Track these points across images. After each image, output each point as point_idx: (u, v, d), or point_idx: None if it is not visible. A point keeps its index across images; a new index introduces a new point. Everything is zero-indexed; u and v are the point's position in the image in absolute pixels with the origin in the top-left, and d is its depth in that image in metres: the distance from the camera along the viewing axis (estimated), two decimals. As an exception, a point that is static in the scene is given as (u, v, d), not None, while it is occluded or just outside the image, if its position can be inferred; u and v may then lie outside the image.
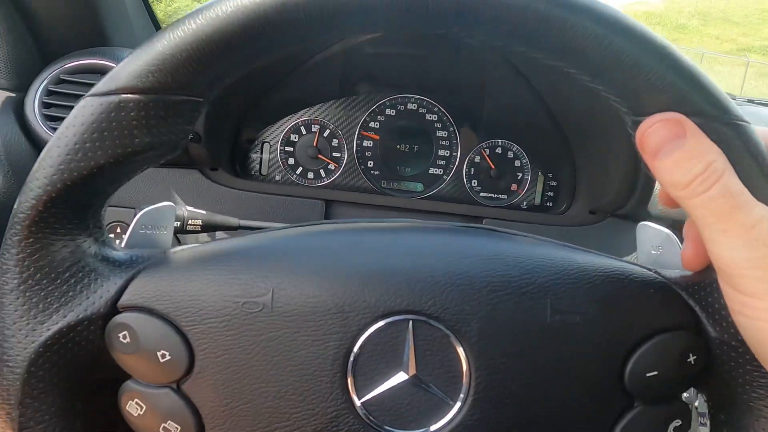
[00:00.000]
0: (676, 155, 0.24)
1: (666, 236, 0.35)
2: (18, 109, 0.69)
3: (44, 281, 0.26)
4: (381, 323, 0.27)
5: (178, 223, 0.52)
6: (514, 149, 0.82)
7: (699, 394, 0.60)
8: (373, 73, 0.80)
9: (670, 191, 0.25)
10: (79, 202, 0.26)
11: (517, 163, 0.83)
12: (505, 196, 0.83)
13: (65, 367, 0.26)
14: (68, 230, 0.27)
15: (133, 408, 0.27)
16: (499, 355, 0.28)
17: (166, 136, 0.26)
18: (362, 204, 0.78)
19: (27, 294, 0.26)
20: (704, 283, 0.29)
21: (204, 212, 0.54)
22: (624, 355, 0.28)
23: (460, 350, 0.27)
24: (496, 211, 0.79)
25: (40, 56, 0.74)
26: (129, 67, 0.24)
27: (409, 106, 0.82)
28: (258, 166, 0.81)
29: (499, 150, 0.82)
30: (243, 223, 0.58)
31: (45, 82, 0.69)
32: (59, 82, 0.69)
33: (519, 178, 0.83)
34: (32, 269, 0.26)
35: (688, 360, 0.28)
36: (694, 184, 0.24)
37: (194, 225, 0.52)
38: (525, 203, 0.83)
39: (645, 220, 0.38)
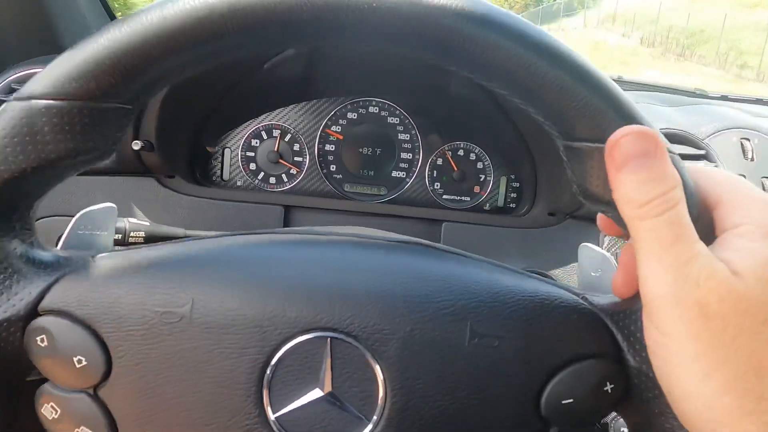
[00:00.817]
0: (641, 173, 0.23)
1: (605, 258, 0.35)
2: None
3: None
4: (299, 339, 0.27)
5: (119, 235, 0.51)
6: (476, 151, 0.82)
7: (614, 418, 0.60)
8: (333, 75, 0.79)
9: (623, 208, 0.24)
10: (3, 204, 0.26)
11: (480, 165, 0.83)
12: (468, 198, 0.83)
13: None
14: None
15: (48, 411, 0.27)
16: (415, 377, 0.27)
17: (92, 143, 0.26)
18: (323, 209, 0.78)
19: None
20: (630, 311, 0.29)
21: (148, 223, 0.54)
22: (541, 382, 0.28)
23: (378, 370, 0.27)
24: (458, 214, 0.79)
25: (-9, 65, 0.73)
26: (54, 72, 0.24)
27: (371, 109, 0.81)
28: (219, 172, 0.81)
29: (461, 152, 0.82)
30: (189, 233, 0.57)
31: (-7, 92, 0.68)
32: (10, 91, 0.68)
33: (482, 180, 0.83)
34: None
35: (605, 389, 0.28)
36: (649, 206, 0.23)
37: (136, 237, 0.52)
38: (488, 205, 0.83)
39: None
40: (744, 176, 0.71)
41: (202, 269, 0.28)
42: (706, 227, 0.25)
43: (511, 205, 0.83)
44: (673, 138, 0.73)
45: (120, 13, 0.92)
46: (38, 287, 0.27)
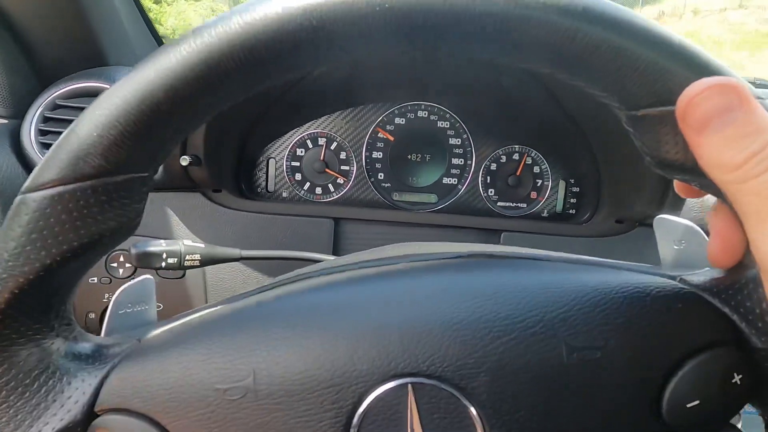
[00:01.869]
0: (728, 130, 0.21)
1: (688, 228, 0.31)
2: (14, 136, 0.67)
3: (11, 397, 0.24)
4: (377, 392, 0.25)
5: (175, 259, 0.49)
6: (532, 155, 0.78)
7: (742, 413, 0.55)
8: (379, 80, 0.76)
9: (715, 174, 0.22)
10: (36, 305, 0.24)
11: (537, 170, 0.78)
12: (525, 205, 0.79)
13: None
14: (30, 336, 0.24)
15: None
16: (514, 410, 0.25)
17: (114, 220, 0.24)
18: (373, 221, 0.74)
19: None
20: (740, 284, 0.26)
21: (203, 245, 0.51)
22: (658, 387, 0.25)
23: (472, 409, 0.25)
24: (514, 223, 0.74)
25: (37, 81, 0.72)
26: (58, 156, 0.22)
27: (420, 113, 0.78)
28: (264, 183, 0.79)
29: (516, 156, 0.78)
30: (245, 253, 0.55)
31: (41, 109, 0.67)
32: (55, 107, 0.67)
33: (539, 185, 0.78)
34: None
35: (733, 381, 0.25)
36: (748, 166, 0.21)
37: (192, 260, 0.50)
38: (546, 211, 0.79)
39: None
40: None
41: (258, 331, 0.26)
42: None
43: (570, 212, 0.79)
44: (761, 85, 0.67)
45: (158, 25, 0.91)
46: (91, 385, 0.25)
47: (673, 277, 0.27)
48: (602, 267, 0.29)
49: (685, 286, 0.27)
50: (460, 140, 0.78)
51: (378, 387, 0.25)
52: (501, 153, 0.78)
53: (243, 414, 0.25)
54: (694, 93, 0.21)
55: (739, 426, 0.29)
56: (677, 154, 0.23)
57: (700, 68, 0.21)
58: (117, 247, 0.66)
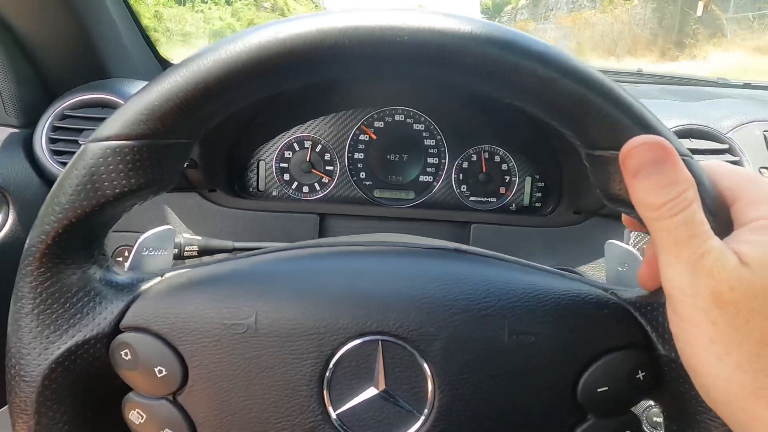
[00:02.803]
0: (654, 178, 0.25)
1: (630, 254, 0.37)
2: (26, 144, 0.73)
3: (55, 305, 0.29)
4: (353, 343, 0.30)
5: (176, 250, 0.55)
6: (500, 153, 0.85)
7: (647, 407, 0.62)
8: (359, 87, 0.82)
9: (641, 210, 0.26)
10: (84, 235, 0.29)
11: (505, 167, 0.85)
12: (495, 199, 0.86)
13: (75, 381, 0.29)
14: (75, 260, 0.29)
15: (134, 417, 0.30)
16: (460, 372, 0.30)
17: (158, 175, 0.28)
18: (355, 215, 0.81)
19: (40, 317, 0.28)
20: (657, 303, 0.31)
21: (200, 238, 0.58)
22: (576, 373, 0.30)
23: (426, 367, 0.30)
24: (484, 216, 0.81)
25: (44, 93, 0.78)
26: (123, 115, 0.27)
27: (397, 117, 0.85)
28: (255, 183, 0.85)
29: (486, 155, 0.85)
30: (237, 245, 0.61)
31: (50, 119, 0.73)
32: (63, 117, 0.74)
33: (507, 181, 0.85)
34: (44, 295, 0.28)
35: (637, 377, 0.30)
36: (664, 209, 0.25)
37: (191, 251, 0.56)
38: (514, 205, 0.86)
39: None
40: (767, 168, 0.72)
41: (263, 284, 0.31)
42: (725, 221, 0.26)
43: (536, 205, 0.86)
44: (696, 133, 0.74)
45: (154, 33, 0.97)
46: (118, 307, 0.30)
47: (606, 290, 0.32)
48: (550, 273, 0.34)
49: (614, 298, 0.32)
50: (434, 141, 0.85)
51: (354, 340, 0.30)
52: (472, 152, 0.85)
53: (243, 346, 0.29)
54: (633, 145, 0.25)
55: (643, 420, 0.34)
56: (620, 190, 0.27)
57: (645, 126, 0.26)
58: (122, 242, 0.73)
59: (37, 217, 0.28)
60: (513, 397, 0.30)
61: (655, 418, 0.58)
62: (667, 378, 0.30)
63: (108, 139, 0.27)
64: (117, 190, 0.28)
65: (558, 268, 0.36)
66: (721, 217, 0.27)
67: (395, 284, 0.31)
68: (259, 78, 0.27)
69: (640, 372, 0.30)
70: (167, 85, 0.26)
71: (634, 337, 0.31)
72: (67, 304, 0.29)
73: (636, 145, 0.25)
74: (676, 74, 1.26)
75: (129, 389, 0.31)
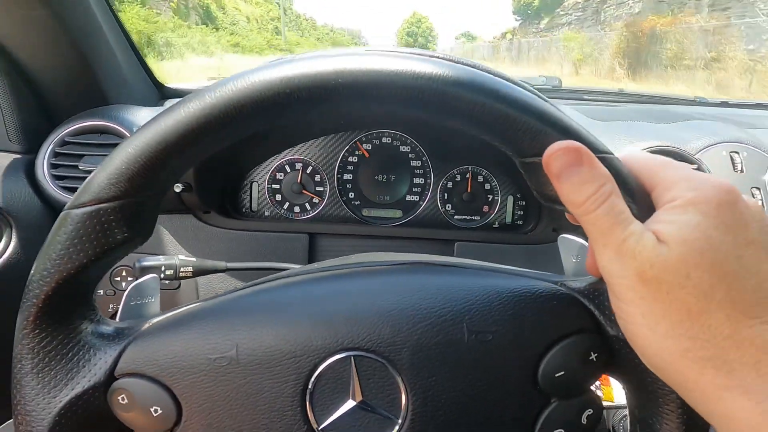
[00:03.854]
0: (573, 179, 0.28)
1: (581, 246, 0.40)
2: (28, 169, 0.77)
3: (53, 362, 0.31)
4: (329, 361, 0.32)
5: (171, 271, 0.59)
6: (483, 173, 0.88)
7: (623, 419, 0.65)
8: (348, 114, 0.86)
9: (569, 208, 0.29)
10: (72, 294, 0.31)
11: (488, 186, 0.89)
12: (478, 218, 0.89)
13: (78, 428, 0.31)
14: (67, 318, 0.32)
15: None
16: (428, 375, 0.32)
17: (136, 229, 0.31)
18: (344, 234, 0.84)
19: (40, 375, 0.31)
20: (602, 289, 0.33)
21: (194, 259, 0.61)
22: (535, 361, 0.33)
23: (397, 376, 0.32)
24: (469, 233, 0.85)
25: (46, 120, 0.82)
26: (96, 181, 0.29)
27: (384, 140, 0.88)
28: (248, 203, 0.88)
29: (469, 175, 0.88)
30: (230, 265, 0.65)
31: (52, 145, 0.77)
32: (64, 143, 0.77)
33: (490, 200, 0.89)
34: (41, 354, 0.31)
35: (590, 358, 0.33)
36: (587, 204, 0.28)
37: (186, 272, 0.59)
38: (497, 223, 0.89)
39: None
40: (734, 187, 0.76)
41: (240, 318, 0.33)
42: (647, 205, 0.29)
43: (518, 222, 0.89)
44: (667, 154, 0.78)
45: (149, 57, 1.01)
46: (111, 356, 0.32)
47: (556, 282, 0.35)
48: (504, 274, 0.36)
49: (563, 289, 0.34)
50: (420, 162, 0.89)
51: (329, 358, 0.32)
52: (456, 172, 0.88)
53: (229, 377, 0.32)
54: (552, 151, 0.28)
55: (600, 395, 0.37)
56: (552, 191, 0.30)
57: (565, 132, 0.29)
58: (120, 263, 0.76)
59: (27, 283, 0.30)
60: (480, 391, 0.33)
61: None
62: (620, 355, 0.33)
63: (83, 205, 0.29)
64: (98, 250, 0.30)
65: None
66: (643, 202, 0.29)
67: (362, 302, 0.34)
68: (215, 133, 0.29)
69: (592, 353, 0.33)
70: (131, 149, 0.29)
71: (584, 323, 0.33)
72: (64, 360, 0.31)
73: (554, 150, 0.28)
74: (656, 93, 1.31)
75: (129, 430, 0.33)
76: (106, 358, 0.32)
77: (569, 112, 0.91)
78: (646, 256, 0.26)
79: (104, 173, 0.30)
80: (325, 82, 0.29)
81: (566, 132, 0.29)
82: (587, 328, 0.33)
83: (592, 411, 0.34)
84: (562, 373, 0.33)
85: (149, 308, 0.39)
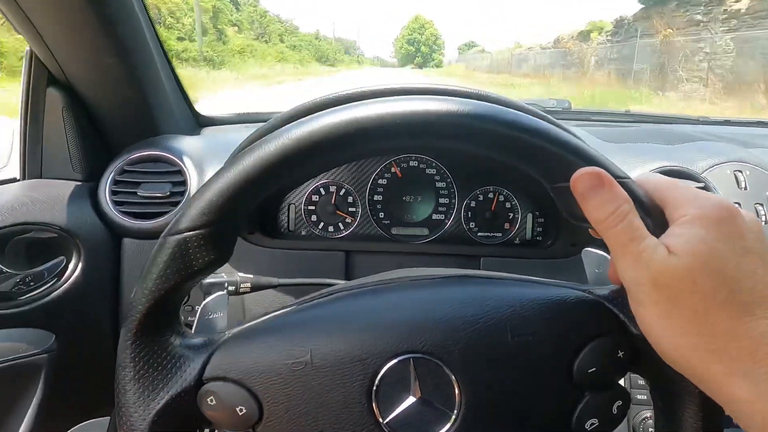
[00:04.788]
0: (596, 199, 0.32)
1: (603, 258, 0.45)
2: (92, 197, 0.84)
3: (150, 369, 0.35)
4: (391, 363, 0.36)
5: (233, 287, 0.65)
6: (504, 193, 0.94)
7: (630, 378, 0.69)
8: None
9: (593, 225, 0.33)
10: (166, 310, 0.35)
11: (508, 205, 0.95)
12: (500, 234, 0.95)
13: (173, 427, 0.35)
14: (161, 331, 0.36)
15: None
16: (477, 373, 0.36)
17: (220, 252, 0.35)
18: (376, 251, 0.91)
19: (140, 381, 0.34)
20: (624, 295, 0.36)
21: (251, 276, 0.68)
22: (570, 359, 0.37)
23: (450, 374, 0.36)
24: (491, 249, 0.91)
25: (103, 149, 0.89)
26: (190, 212, 0.34)
27: (411, 163, 0.95)
28: (286, 224, 0.95)
29: (491, 195, 0.95)
30: (281, 281, 0.71)
31: (113, 174, 0.84)
32: (123, 172, 0.85)
33: (511, 217, 0.94)
34: (141, 363, 0.35)
35: (618, 355, 0.37)
36: (608, 221, 0.32)
37: (245, 288, 0.66)
38: (518, 239, 0.95)
39: None
40: (739, 203, 0.82)
41: (312, 326, 0.37)
42: (661, 222, 0.33)
43: (537, 238, 0.95)
44: (675, 174, 0.84)
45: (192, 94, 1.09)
46: (199, 363, 0.35)
47: (584, 290, 0.39)
48: (538, 284, 0.40)
49: (591, 296, 0.38)
50: (445, 183, 0.95)
51: (390, 361, 0.36)
52: (479, 192, 0.94)
53: (303, 379, 0.35)
54: (577, 176, 0.33)
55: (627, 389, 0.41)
56: (580, 211, 0.34)
57: (589, 160, 0.34)
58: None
59: (131, 300, 0.35)
60: (523, 387, 0.37)
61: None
62: (642, 353, 0.36)
63: (180, 231, 0.34)
64: (190, 271, 0.34)
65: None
66: (657, 220, 0.33)
67: (417, 311, 0.38)
68: (286, 170, 0.34)
69: (620, 351, 0.37)
70: (221, 184, 0.34)
71: (610, 325, 0.37)
72: (159, 368, 0.35)
73: (579, 175, 0.33)
74: (661, 114, 1.38)
75: (217, 428, 0.37)
76: (194, 365, 0.36)
77: (582, 134, 0.98)
78: (658, 266, 0.30)
79: (198, 204, 0.34)
80: (390, 123, 0.34)
81: (590, 160, 0.34)
82: (614, 329, 0.37)
83: (621, 402, 0.38)
84: (594, 369, 0.37)
85: (220, 322, 0.44)
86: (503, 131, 0.34)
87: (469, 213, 0.94)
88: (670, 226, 0.33)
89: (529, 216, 0.94)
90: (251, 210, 0.38)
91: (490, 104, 0.36)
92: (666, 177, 0.36)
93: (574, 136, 0.36)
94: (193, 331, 0.41)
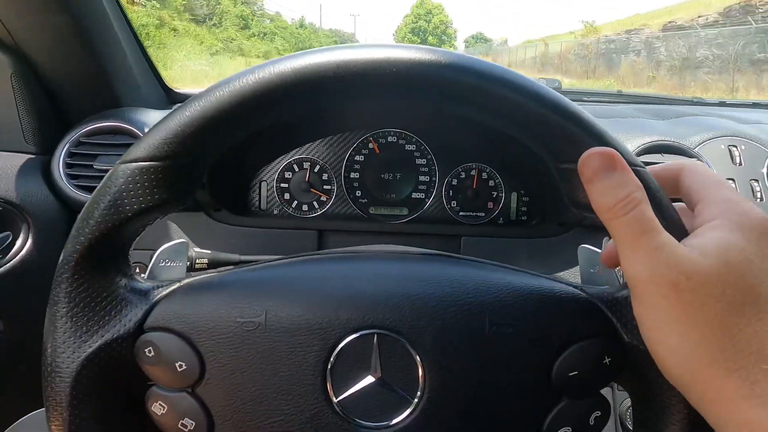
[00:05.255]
0: (605, 182, 0.29)
1: (600, 256, 0.41)
2: (44, 169, 0.78)
3: (86, 309, 0.32)
4: (352, 336, 0.33)
5: (188, 262, 0.60)
6: (487, 170, 0.90)
7: (617, 389, 0.66)
8: (353, 112, 0.88)
9: (599, 212, 0.30)
10: (112, 247, 0.33)
11: (492, 183, 0.90)
12: (483, 214, 0.91)
13: (103, 376, 0.32)
14: (104, 269, 0.33)
15: (157, 408, 0.33)
16: (447, 361, 0.33)
17: (178, 191, 0.32)
18: (352, 231, 0.86)
19: (73, 319, 0.32)
20: (621, 297, 0.34)
21: (209, 252, 0.63)
22: (550, 358, 0.34)
23: (417, 357, 0.33)
24: (474, 229, 0.86)
25: (60, 122, 0.84)
26: (149, 140, 0.31)
27: (389, 138, 0.90)
28: (257, 202, 0.90)
29: (473, 172, 0.90)
30: (243, 258, 0.66)
31: (67, 145, 0.78)
32: (79, 144, 0.79)
33: (494, 196, 0.90)
34: (77, 300, 0.32)
35: (604, 362, 0.34)
36: (616, 208, 0.29)
37: (201, 263, 0.61)
38: (501, 219, 0.91)
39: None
40: (733, 179, 0.78)
41: (271, 286, 0.35)
42: (675, 221, 0.30)
43: (522, 218, 0.91)
44: (668, 148, 0.80)
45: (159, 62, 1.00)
46: (141, 310, 0.33)
47: (577, 287, 0.36)
48: (526, 274, 0.37)
49: (583, 294, 0.35)
50: (425, 160, 0.90)
51: (353, 333, 0.33)
52: (461, 170, 0.90)
53: (254, 341, 0.33)
54: (586, 156, 0.30)
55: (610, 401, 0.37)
56: (584, 198, 0.31)
57: (601, 141, 0.31)
58: (136, 260, 0.78)
59: (72, 231, 0.32)
60: (495, 381, 0.34)
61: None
62: (633, 362, 0.34)
63: (136, 160, 0.31)
64: (143, 206, 0.31)
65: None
66: (671, 218, 0.30)
67: (389, 284, 0.35)
68: (264, 107, 0.31)
69: (606, 358, 0.34)
70: (188, 113, 0.31)
71: (601, 328, 0.34)
72: (97, 308, 0.32)
73: (589, 155, 0.30)
74: (654, 94, 1.34)
75: (152, 384, 0.34)
76: (136, 311, 0.33)
77: None
78: (682, 269, 0.27)
79: (160, 133, 0.31)
80: (381, 69, 0.31)
81: (602, 141, 0.31)
82: (603, 333, 0.34)
83: (600, 413, 0.35)
84: (576, 372, 0.34)
85: (177, 271, 0.40)
86: (510, 96, 0.31)
87: (451, 191, 0.90)
88: (698, 225, 0.30)
89: (514, 195, 0.90)
90: (219, 152, 0.34)
91: (495, 64, 0.32)
92: (709, 171, 0.33)
93: (589, 114, 0.32)
94: (145, 277, 0.38)
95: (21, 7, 0.69)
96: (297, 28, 51.22)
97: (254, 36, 38.66)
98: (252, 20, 40.84)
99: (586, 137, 0.31)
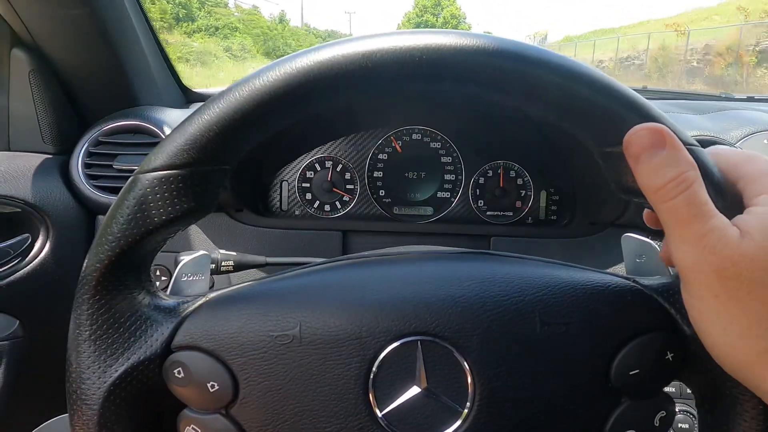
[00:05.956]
0: (654, 161, 0.26)
1: (647, 245, 0.38)
2: (63, 169, 0.77)
3: (110, 331, 0.30)
4: (394, 345, 0.31)
5: (213, 265, 0.58)
6: (515, 168, 0.87)
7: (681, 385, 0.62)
8: (376, 109, 0.86)
9: (647, 194, 0.27)
10: (134, 262, 0.31)
11: (520, 181, 0.88)
12: (511, 213, 0.88)
13: (132, 400, 0.31)
14: (126, 286, 0.31)
15: None
16: (497, 365, 0.31)
17: (201, 200, 0.30)
18: (376, 231, 0.84)
19: (97, 343, 0.30)
20: (676, 287, 0.32)
21: (235, 254, 0.61)
22: (608, 358, 0.31)
23: (464, 363, 0.31)
24: (502, 229, 0.83)
25: (79, 121, 0.82)
26: (167, 147, 0.29)
27: (414, 136, 0.88)
28: (278, 203, 0.88)
29: (500, 170, 0.87)
30: (270, 260, 0.64)
31: (86, 145, 0.77)
32: (98, 143, 0.77)
33: (522, 195, 0.87)
34: (100, 322, 0.30)
35: (666, 357, 0.31)
36: (665, 189, 0.26)
37: (227, 266, 0.59)
38: (530, 218, 0.88)
39: (643, 228, 0.41)
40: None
41: (304, 296, 0.32)
42: (736, 202, 0.28)
43: (552, 218, 0.88)
44: (709, 144, 0.76)
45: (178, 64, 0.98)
46: (168, 328, 0.31)
47: (628, 279, 0.34)
48: (575, 268, 0.35)
49: (637, 285, 0.33)
50: (450, 158, 0.88)
51: (394, 342, 0.31)
52: (487, 168, 0.87)
53: (290, 356, 0.31)
54: (633, 132, 0.27)
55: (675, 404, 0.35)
56: (632, 182, 0.29)
57: (646, 116, 0.28)
58: (157, 262, 0.76)
59: (91, 248, 0.30)
60: (550, 385, 0.31)
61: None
62: (694, 356, 0.31)
63: (155, 170, 0.29)
64: (164, 217, 0.29)
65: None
66: (731, 199, 0.28)
67: (429, 286, 0.32)
68: (288, 105, 0.29)
69: (668, 353, 0.31)
70: (206, 117, 0.29)
71: (659, 321, 0.32)
72: (121, 329, 0.31)
73: (636, 131, 0.27)
74: (680, 90, 1.30)
75: (183, 406, 0.32)
76: (162, 330, 0.31)
77: None
78: (728, 254, 0.25)
79: (177, 140, 0.29)
80: (410, 58, 0.28)
81: (650, 118, 0.28)
82: (663, 327, 0.32)
83: (665, 413, 0.32)
84: (637, 371, 0.31)
85: (200, 285, 0.38)
86: (550, 77, 0.29)
87: (477, 190, 0.88)
88: (746, 203, 0.27)
89: (543, 193, 0.87)
90: (240, 155, 0.32)
91: (531, 45, 0.30)
92: (736, 149, 0.30)
93: (635, 92, 0.30)
94: (168, 293, 0.36)
95: (39, 3, 0.67)
96: (277, 24, 43.95)
97: (200, 31, 31.55)
98: (199, 11, 33.59)
99: (633, 117, 0.28)
